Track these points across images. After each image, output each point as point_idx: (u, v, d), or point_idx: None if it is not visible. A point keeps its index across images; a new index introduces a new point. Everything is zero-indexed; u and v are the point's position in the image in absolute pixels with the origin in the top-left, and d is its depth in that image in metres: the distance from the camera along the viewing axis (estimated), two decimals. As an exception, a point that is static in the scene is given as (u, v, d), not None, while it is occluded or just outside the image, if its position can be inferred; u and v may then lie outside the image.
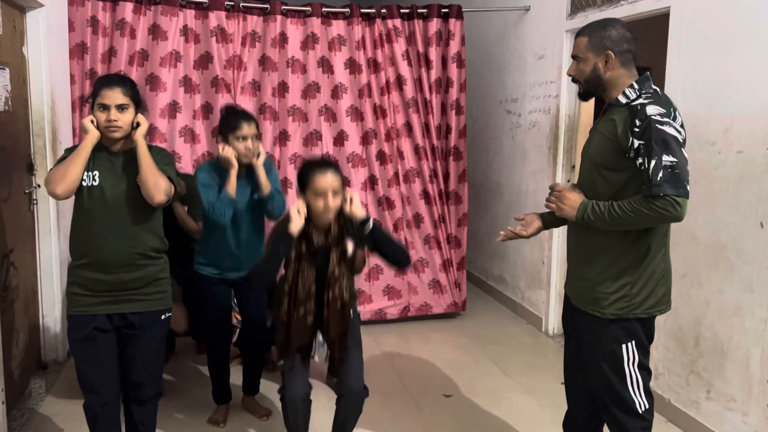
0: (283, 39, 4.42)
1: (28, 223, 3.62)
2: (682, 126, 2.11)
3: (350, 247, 2.61)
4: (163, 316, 2.58)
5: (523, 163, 4.91)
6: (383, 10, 4.57)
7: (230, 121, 3.06)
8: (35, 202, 3.67)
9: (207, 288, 3.19)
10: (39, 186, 3.67)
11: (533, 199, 4.74)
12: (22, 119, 3.53)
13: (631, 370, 2.28)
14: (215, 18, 4.30)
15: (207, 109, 4.37)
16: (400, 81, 4.63)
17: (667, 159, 2.03)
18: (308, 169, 2.56)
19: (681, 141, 2.08)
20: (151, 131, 4.23)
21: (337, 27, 4.51)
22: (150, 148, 2.47)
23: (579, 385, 2.53)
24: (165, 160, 2.53)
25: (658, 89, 2.19)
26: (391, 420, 3.33)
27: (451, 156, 4.81)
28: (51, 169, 2.42)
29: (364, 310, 4.61)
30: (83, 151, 2.38)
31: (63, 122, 3.93)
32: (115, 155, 2.46)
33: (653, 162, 2.04)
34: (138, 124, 2.45)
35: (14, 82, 3.40)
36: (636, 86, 2.17)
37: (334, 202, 2.51)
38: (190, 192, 3.75)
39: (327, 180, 2.50)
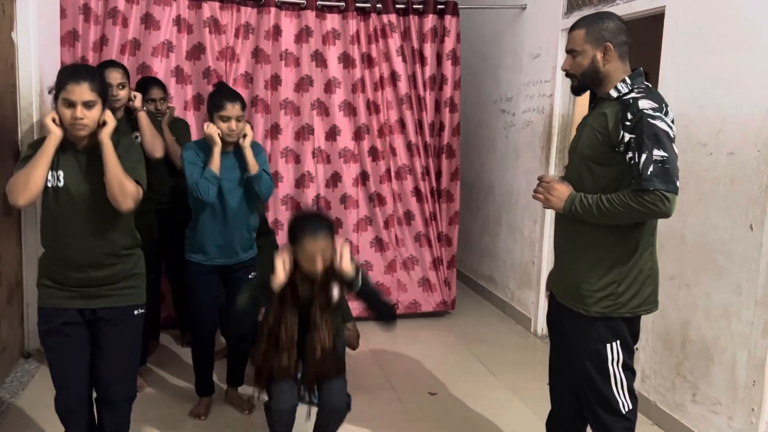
0: (276, 31, 4.39)
1: (13, 211, 3.57)
2: (672, 122, 2.09)
3: (335, 293, 2.59)
4: (135, 311, 2.47)
5: (515, 163, 4.89)
6: (378, 5, 4.54)
7: (215, 100, 3.02)
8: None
9: (196, 276, 3.15)
10: (25, 173, 3.63)
11: (525, 199, 4.72)
12: (9, 105, 3.50)
13: (615, 370, 2.26)
14: (209, 9, 4.27)
15: (198, 100, 4.33)
16: (394, 77, 4.60)
17: (657, 153, 2.01)
18: (300, 227, 2.52)
19: (672, 136, 2.06)
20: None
21: (332, 21, 4.48)
22: (118, 142, 2.34)
23: (563, 384, 2.51)
24: (134, 155, 2.39)
25: (649, 85, 2.17)
26: (374, 417, 3.30)
27: (444, 154, 4.78)
28: (14, 174, 2.26)
29: (353, 307, 4.56)
30: (45, 154, 2.22)
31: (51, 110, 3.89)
32: (80, 153, 2.32)
33: (644, 156, 2.01)
34: (104, 123, 2.28)
35: (2, 68, 3.37)
36: (628, 81, 2.16)
37: (323, 263, 2.48)
38: (179, 131, 3.78)
39: (317, 245, 2.46)
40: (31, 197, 2.23)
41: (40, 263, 2.43)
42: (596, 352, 2.26)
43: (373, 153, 4.62)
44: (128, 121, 3.36)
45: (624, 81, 2.16)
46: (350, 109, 4.54)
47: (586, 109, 4.36)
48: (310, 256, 2.46)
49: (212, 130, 2.97)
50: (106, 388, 2.44)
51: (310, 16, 4.42)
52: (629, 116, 2.06)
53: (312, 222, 2.55)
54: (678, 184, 2.04)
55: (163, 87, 3.77)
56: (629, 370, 2.28)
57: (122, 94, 3.28)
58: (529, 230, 4.68)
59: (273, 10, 4.36)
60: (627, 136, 2.06)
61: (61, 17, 4.06)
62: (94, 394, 2.49)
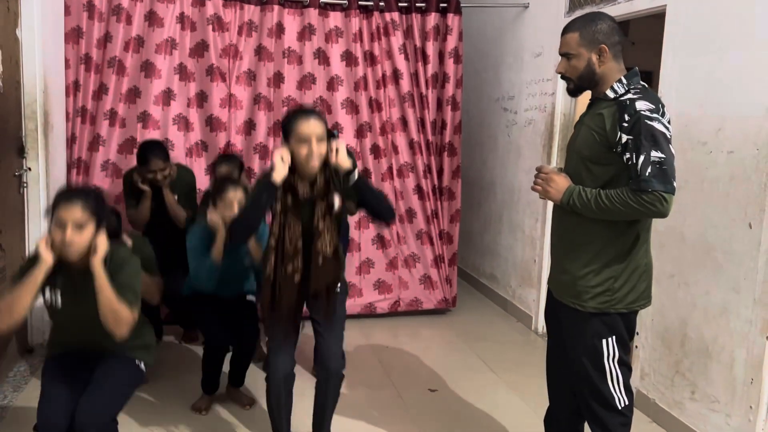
0: (279, 29, 4.41)
1: (17, 206, 3.61)
2: (669, 122, 2.10)
3: (337, 201, 2.56)
4: (137, 362, 2.50)
5: (517, 161, 4.90)
6: (381, 3, 4.56)
7: (218, 187, 3.11)
8: (25, 185, 3.66)
9: (201, 307, 3.24)
10: (29, 169, 3.66)
11: (527, 197, 4.73)
12: (13, 101, 3.52)
13: (611, 366, 2.27)
14: (212, 6, 4.29)
15: (201, 97, 4.36)
16: (396, 75, 4.62)
17: (655, 154, 2.02)
18: (291, 117, 2.49)
19: (669, 137, 2.07)
20: (145, 118, 4.23)
21: (335, 19, 4.49)
22: (112, 255, 2.30)
23: (560, 380, 2.53)
24: (128, 270, 2.34)
25: (646, 85, 2.18)
26: (374, 413, 3.32)
27: (446, 152, 4.79)
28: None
29: (354, 304, 4.60)
30: (32, 282, 2.20)
31: (56, 106, 3.92)
32: (76, 275, 2.30)
33: (642, 157, 2.03)
34: (95, 249, 2.24)
35: (6, 64, 3.39)
36: (624, 81, 2.16)
37: (318, 149, 2.44)
38: (182, 184, 3.77)
39: (310, 126, 2.42)
40: (13, 323, 2.22)
41: (51, 332, 2.52)
42: (592, 347, 2.27)
43: (375, 151, 4.63)
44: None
45: (620, 81, 2.17)
46: (352, 107, 4.56)
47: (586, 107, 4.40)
48: (306, 138, 2.41)
49: (216, 218, 3.03)
50: (78, 413, 2.26)
51: (312, 14, 4.44)
52: (626, 117, 2.07)
53: (302, 109, 2.54)
54: (675, 184, 2.05)
55: (164, 154, 3.66)
56: (625, 365, 2.29)
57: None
58: (530, 228, 4.69)
59: (276, 7, 4.38)
60: (624, 137, 2.07)
61: (65, 14, 4.09)
62: None
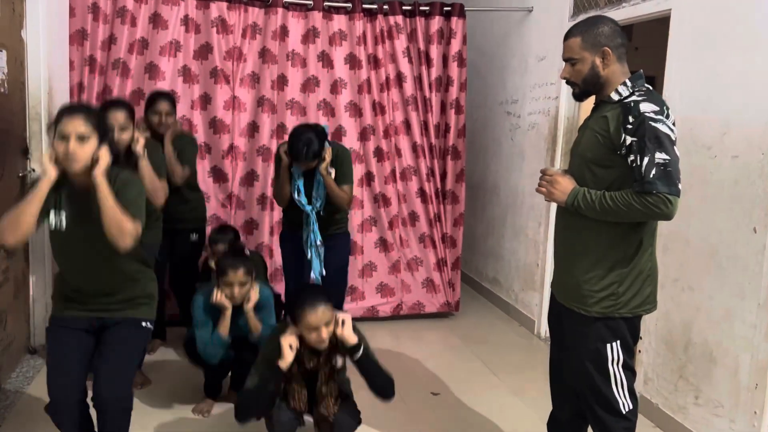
0: (283, 32, 4.41)
1: (20, 207, 3.60)
2: (674, 124, 2.09)
3: (340, 362, 2.65)
4: (143, 323, 2.49)
5: (521, 165, 4.89)
6: (385, 6, 4.56)
7: (219, 266, 3.10)
8: (29, 186, 3.65)
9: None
10: (33, 170, 3.67)
11: (530, 201, 4.73)
12: (18, 102, 3.53)
13: (616, 370, 2.26)
14: (216, 9, 4.30)
15: (205, 99, 4.36)
16: (400, 78, 4.62)
17: (660, 157, 2.01)
18: (299, 305, 2.54)
19: (673, 139, 2.07)
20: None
21: (339, 22, 4.50)
22: (117, 175, 2.29)
23: (563, 384, 2.52)
24: (133, 190, 2.33)
25: (650, 87, 2.17)
26: (375, 415, 3.30)
27: (449, 155, 4.79)
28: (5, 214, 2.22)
29: (357, 307, 4.60)
30: (37, 196, 2.17)
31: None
32: (81, 193, 2.28)
33: (646, 159, 2.02)
34: (98, 160, 2.22)
35: (11, 65, 3.40)
36: (629, 83, 2.16)
37: (327, 333, 2.52)
38: (183, 143, 3.77)
39: (318, 316, 2.50)
40: (21, 238, 2.20)
41: (55, 279, 2.49)
42: (596, 352, 2.26)
43: (379, 154, 4.63)
44: (128, 164, 3.35)
45: (624, 84, 2.17)
46: (356, 110, 4.56)
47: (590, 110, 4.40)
48: (314, 327, 2.50)
49: (222, 299, 3.05)
50: (98, 390, 2.32)
51: (317, 17, 4.45)
52: (631, 119, 2.06)
53: (309, 295, 2.60)
54: (680, 186, 2.05)
55: (171, 101, 3.72)
56: (629, 369, 2.29)
57: (124, 137, 3.07)
58: (533, 232, 4.69)
59: (280, 10, 4.38)
60: (629, 139, 2.07)
61: (70, 16, 4.10)
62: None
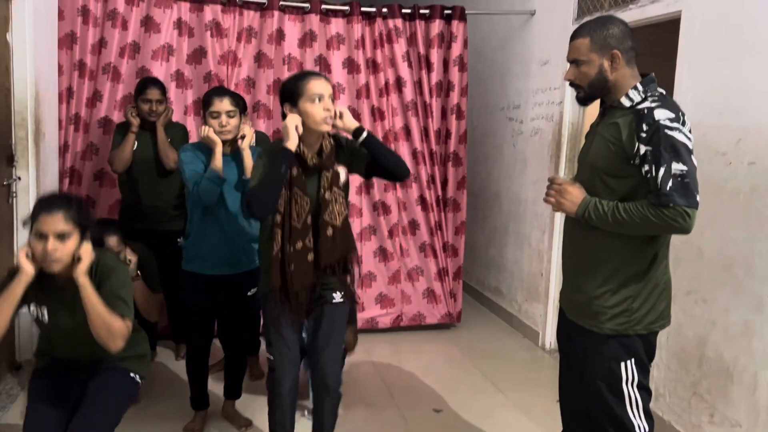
0: (280, 35, 4.29)
1: (6, 217, 3.47)
2: (690, 132, 1.96)
3: (342, 172, 2.46)
4: (132, 374, 2.38)
5: (523, 172, 4.77)
6: (384, 10, 4.44)
7: (204, 98, 2.94)
8: (14, 194, 3.53)
9: (192, 285, 3.02)
10: (19, 178, 3.53)
11: (533, 209, 4.60)
12: (2, 108, 3.39)
13: (630, 391, 2.13)
14: (210, 12, 4.18)
15: (199, 104, 4.23)
16: (399, 83, 4.50)
17: (676, 167, 1.88)
18: (298, 79, 2.37)
19: (690, 148, 1.94)
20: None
21: (336, 25, 4.38)
22: (97, 263, 2.21)
23: (574, 403, 2.38)
24: (117, 278, 2.23)
25: (664, 92, 2.04)
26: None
27: (450, 162, 4.66)
28: None
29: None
30: (12, 296, 2.09)
31: (48, 114, 3.79)
32: (62, 288, 2.20)
33: (662, 170, 1.89)
34: (80, 258, 2.13)
35: (-4, 70, 3.27)
36: (640, 88, 2.03)
37: (331, 108, 2.33)
38: (175, 131, 3.76)
39: (323, 84, 2.33)
40: None
41: (38, 342, 2.40)
42: (609, 371, 2.13)
43: (378, 160, 4.50)
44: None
45: (635, 88, 2.04)
46: (354, 115, 4.43)
47: (595, 116, 4.28)
48: (319, 94, 2.30)
49: (207, 130, 2.86)
50: None
51: (314, 20, 4.33)
52: (645, 127, 1.93)
53: (310, 71, 2.46)
54: (698, 198, 1.92)
55: (161, 88, 3.70)
56: (644, 389, 2.15)
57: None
58: (537, 241, 4.55)
59: (276, 13, 4.26)
60: (643, 148, 1.93)
61: (59, 19, 3.97)
62: None
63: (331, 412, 2.60)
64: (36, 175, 3.62)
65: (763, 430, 2.63)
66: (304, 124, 2.34)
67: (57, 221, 2.09)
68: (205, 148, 2.93)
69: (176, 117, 4.16)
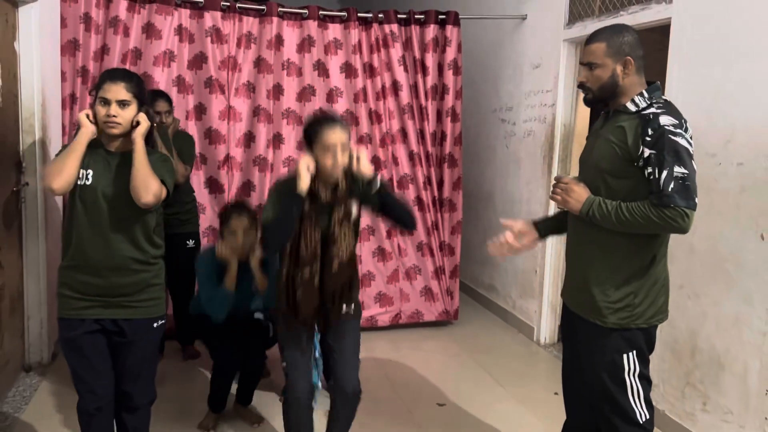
0: (278, 41, 4.38)
1: (15, 222, 3.53)
2: (692, 138, 2.09)
3: (355, 208, 2.55)
4: (155, 324, 2.47)
5: (516, 172, 4.90)
6: (380, 15, 4.54)
7: (222, 216, 3.10)
8: (23, 200, 3.59)
9: (210, 329, 3.20)
10: (27, 184, 3.59)
11: (527, 208, 4.73)
12: (11, 115, 3.45)
13: (632, 380, 2.26)
14: (210, 18, 4.25)
15: (200, 109, 4.31)
16: (395, 86, 4.60)
17: (678, 170, 2.02)
18: (316, 124, 2.48)
19: (691, 153, 2.07)
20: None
21: (334, 30, 4.47)
22: (151, 153, 2.38)
23: (578, 394, 2.50)
24: (164, 164, 2.42)
25: (668, 99, 2.17)
26: (382, 427, 3.28)
27: (446, 163, 4.78)
28: (48, 165, 2.31)
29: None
30: (78, 144, 2.27)
31: (53, 120, 3.86)
32: (111, 155, 2.36)
33: (665, 172, 2.02)
34: (138, 123, 2.33)
35: (5, 78, 3.33)
36: (646, 95, 2.15)
37: (343, 158, 2.44)
38: (180, 140, 3.83)
39: (336, 134, 2.43)
40: (66, 182, 2.26)
41: (60, 272, 2.42)
42: (612, 362, 2.25)
43: (375, 162, 4.60)
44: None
45: (641, 94, 2.16)
46: (352, 119, 4.53)
47: (587, 119, 4.43)
48: (331, 147, 2.41)
49: (224, 249, 3.05)
50: (129, 399, 2.48)
51: (312, 26, 4.42)
52: (650, 132, 2.06)
53: (328, 117, 2.54)
54: (696, 200, 2.05)
55: (168, 100, 3.78)
56: (645, 379, 2.28)
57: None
58: (531, 239, 4.68)
59: (275, 19, 4.35)
60: (647, 152, 2.06)
61: (62, 26, 4.03)
62: None
63: (350, 415, 2.70)
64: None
65: (753, 416, 2.78)
66: (317, 167, 2.46)
67: (120, 90, 2.28)
68: (218, 262, 3.11)
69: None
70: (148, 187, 2.27)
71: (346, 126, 2.51)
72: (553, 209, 4.41)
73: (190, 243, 3.89)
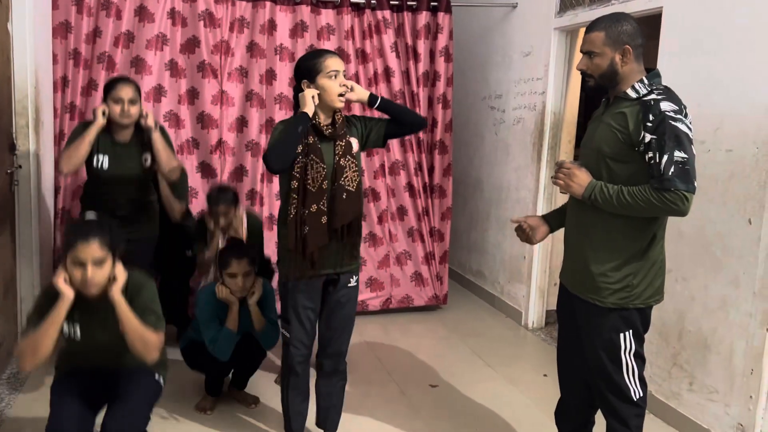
0: (271, 26, 4.38)
1: (8, 205, 3.51)
2: (691, 123, 2.16)
3: (354, 143, 2.63)
4: (156, 376, 2.48)
5: (505, 159, 4.96)
6: (373, 1, 4.56)
7: (221, 260, 3.10)
8: (16, 182, 3.57)
9: (211, 369, 3.23)
10: (20, 167, 3.57)
11: (515, 195, 4.80)
12: (4, 97, 3.42)
13: (628, 359, 2.33)
14: (203, 2, 4.23)
15: (192, 94, 4.30)
16: (388, 73, 4.63)
17: (678, 155, 2.08)
18: (316, 56, 2.55)
19: (691, 138, 2.14)
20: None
21: (327, 16, 4.48)
22: (129, 278, 2.30)
23: (573, 373, 2.58)
24: (147, 292, 2.35)
25: (668, 86, 2.23)
26: (376, 408, 3.34)
27: (437, 150, 4.83)
28: (22, 333, 2.25)
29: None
30: (56, 321, 2.19)
31: (46, 102, 3.83)
32: (95, 306, 2.29)
33: (665, 157, 2.08)
34: (115, 278, 2.25)
35: (-1, 59, 3.30)
36: (646, 81, 2.22)
37: (347, 83, 2.54)
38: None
39: (338, 60, 2.53)
40: (39, 363, 2.20)
41: (60, 357, 2.47)
42: (610, 341, 2.33)
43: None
44: (138, 139, 3.32)
45: (641, 81, 2.23)
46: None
47: (576, 107, 4.49)
48: (335, 71, 2.50)
49: (225, 293, 3.06)
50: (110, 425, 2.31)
51: (305, 11, 4.42)
52: (651, 117, 2.12)
53: (325, 50, 2.66)
54: (696, 184, 2.12)
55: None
56: (640, 358, 2.36)
57: (133, 110, 3.18)
58: (519, 225, 4.75)
59: (268, 4, 4.34)
60: (648, 137, 2.12)
61: (53, 8, 3.99)
62: None
63: (340, 387, 2.82)
64: (36, 164, 3.67)
65: (738, 395, 2.89)
66: (320, 97, 2.51)
67: (94, 249, 2.18)
68: (218, 301, 3.11)
69: (170, 106, 4.24)
70: (147, 346, 2.25)
71: (342, 57, 2.62)
72: (545, 197, 4.48)
73: (188, 253, 3.87)
